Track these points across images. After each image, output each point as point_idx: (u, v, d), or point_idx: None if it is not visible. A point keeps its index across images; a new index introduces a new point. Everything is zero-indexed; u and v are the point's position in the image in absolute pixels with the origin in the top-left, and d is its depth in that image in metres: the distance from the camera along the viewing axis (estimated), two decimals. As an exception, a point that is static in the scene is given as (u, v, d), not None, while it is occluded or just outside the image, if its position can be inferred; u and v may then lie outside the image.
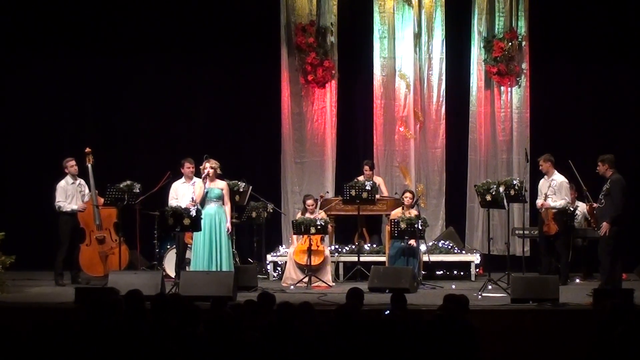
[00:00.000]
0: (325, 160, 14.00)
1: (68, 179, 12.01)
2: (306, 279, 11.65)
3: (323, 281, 11.66)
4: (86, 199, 12.06)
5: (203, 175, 11.01)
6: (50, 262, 11.97)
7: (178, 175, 11.88)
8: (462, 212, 13.91)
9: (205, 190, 11.02)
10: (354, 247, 12.64)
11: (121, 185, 11.40)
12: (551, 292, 9.79)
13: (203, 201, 11.02)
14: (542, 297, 9.74)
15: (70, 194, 11.97)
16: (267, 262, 12.69)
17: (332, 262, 12.23)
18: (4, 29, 13.90)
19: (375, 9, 13.95)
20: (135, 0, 14.03)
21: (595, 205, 11.28)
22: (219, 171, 11.15)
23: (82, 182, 12.11)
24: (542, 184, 11.84)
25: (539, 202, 11.65)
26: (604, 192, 10.98)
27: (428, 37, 13.94)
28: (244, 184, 12.27)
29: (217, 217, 10.98)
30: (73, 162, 12.03)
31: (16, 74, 14.17)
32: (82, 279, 12.01)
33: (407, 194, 12.12)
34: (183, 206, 10.84)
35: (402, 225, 11.50)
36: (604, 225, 10.85)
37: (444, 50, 13.93)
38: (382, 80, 14.00)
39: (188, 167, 11.79)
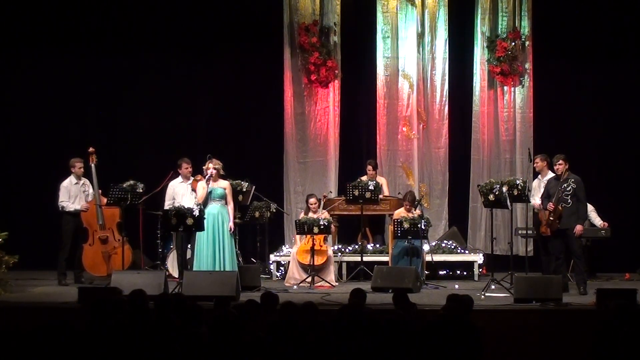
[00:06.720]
0: (328, 160, 14.01)
1: (72, 178, 12.02)
2: (309, 279, 11.64)
3: (326, 281, 11.66)
4: (89, 198, 12.07)
5: (206, 177, 11.00)
6: (54, 262, 11.97)
7: (178, 175, 11.90)
8: (465, 212, 13.91)
9: (208, 189, 11.03)
10: (357, 247, 12.63)
11: (124, 185, 11.41)
12: (554, 292, 9.77)
13: (206, 201, 11.03)
14: (545, 297, 9.71)
15: (74, 193, 11.98)
16: (270, 262, 12.70)
17: (335, 262, 12.23)
18: (8, 29, 13.92)
19: (379, 8, 13.95)
20: (138, 0, 14.05)
21: (551, 205, 10.82)
22: (221, 172, 11.16)
23: (86, 181, 12.13)
24: (537, 184, 11.71)
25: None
26: (569, 192, 10.79)
27: (431, 37, 13.94)
28: (247, 183, 12.28)
29: (220, 216, 10.98)
30: (81, 164, 12.03)
31: (19, 75, 14.21)
32: (85, 278, 12.03)
33: (406, 203, 11.98)
34: (185, 206, 10.87)
35: (405, 225, 11.51)
36: (580, 228, 10.80)
37: (447, 50, 13.93)
38: (385, 80, 14.00)
39: (186, 167, 11.81)
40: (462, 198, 13.96)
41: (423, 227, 11.54)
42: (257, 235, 12.70)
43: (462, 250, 12.87)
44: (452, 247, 12.81)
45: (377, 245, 12.88)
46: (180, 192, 11.71)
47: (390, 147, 14.02)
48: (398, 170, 14.01)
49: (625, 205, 13.63)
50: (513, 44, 13.67)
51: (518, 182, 11.05)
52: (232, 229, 11.11)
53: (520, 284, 10.04)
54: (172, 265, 12.03)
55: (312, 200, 12.28)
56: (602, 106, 13.93)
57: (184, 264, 11.35)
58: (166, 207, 11.33)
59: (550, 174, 11.38)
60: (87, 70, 14.03)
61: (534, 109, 13.83)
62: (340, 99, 14.06)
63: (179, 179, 11.85)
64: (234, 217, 11.29)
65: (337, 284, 11.82)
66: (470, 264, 12.67)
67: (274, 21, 14.00)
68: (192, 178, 11.68)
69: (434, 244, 12.61)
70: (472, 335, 6.11)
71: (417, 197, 12.73)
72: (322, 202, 12.37)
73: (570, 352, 7.96)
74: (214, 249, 10.92)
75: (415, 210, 11.87)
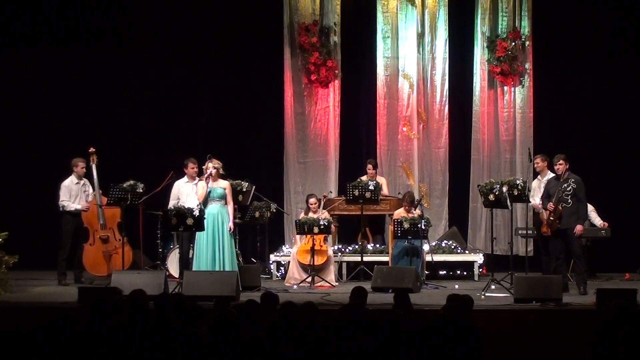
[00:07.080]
0: (328, 160, 14.01)
1: (73, 178, 12.02)
2: (309, 279, 11.64)
3: (326, 281, 11.66)
4: (90, 198, 12.07)
5: (205, 176, 11.00)
6: (54, 262, 11.97)
7: (181, 175, 11.89)
8: (465, 212, 13.91)
9: (208, 189, 11.03)
10: (357, 246, 12.63)
11: (124, 185, 11.41)
12: (554, 292, 9.77)
13: (206, 201, 11.02)
14: (545, 297, 9.72)
15: (75, 193, 11.98)
16: (270, 262, 12.70)
17: (335, 262, 12.23)
18: (8, 29, 13.92)
19: (379, 8, 13.95)
20: (138, 0, 14.05)
21: (551, 205, 10.78)
22: (221, 171, 11.15)
23: (87, 181, 12.13)
24: (537, 184, 11.70)
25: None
26: (570, 192, 10.77)
27: (431, 37, 13.94)
28: (247, 183, 12.29)
29: (220, 216, 10.97)
30: (83, 165, 12.03)
31: (19, 75, 14.20)
32: (85, 278, 12.03)
33: (405, 204, 11.99)
34: (187, 205, 10.87)
35: (405, 225, 11.51)
36: (580, 227, 10.79)
37: (447, 50, 13.93)
38: (386, 80, 14.00)
39: (192, 167, 11.79)
40: (462, 198, 13.96)
41: (423, 227, 11.54)
42: (257, 235, 12.70)
43: (462, 250, 12.88)
44: (452, 247, 12.81)
45: (377, 245, 12.88)
46: (185, 192, 11.70)
47: (390, 147, 14.02)
48: (398, 170, 14.01)
49: (625, 205, 13.63)
50: (513, 44, 13.67)
51: (518, 182, 11.06)
52: (232, 229, 11.10)
53: (520, 284, 10.04)
54: (172, 265, 12.03)
55: (312, 200, 12.28)
56: (602, 106, 13.93)
57: (187, 263, 11.36)
58: (170, 206, 11.32)
59: (550, 174, 11.37)
60: (87, 70, 14.02)
61: (534, 109, 13.83)
62: (340, 99, 14.06)
63: (185, 178, 11.84)
64: (234, 217, 11.29)
65: (337, 284, 11.81)
66: (470, 264, 12.67)
67: (274, 21, 14.00)
68: (197, 178, 11.67)
69: (434, 244, 12.61)
70: (472, 335, 6.11)
71: (417, 197, 12.74)
72: (322, 202, 12.37)
73: (570, 352, 7.96)
74: (213, 249, 10.91)
75: (415, 210, 11.87)
